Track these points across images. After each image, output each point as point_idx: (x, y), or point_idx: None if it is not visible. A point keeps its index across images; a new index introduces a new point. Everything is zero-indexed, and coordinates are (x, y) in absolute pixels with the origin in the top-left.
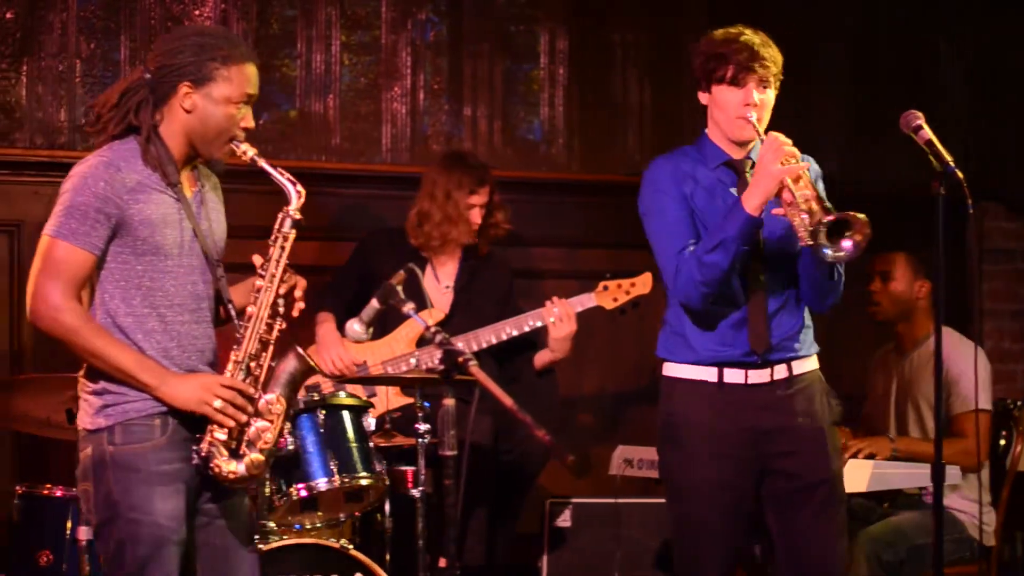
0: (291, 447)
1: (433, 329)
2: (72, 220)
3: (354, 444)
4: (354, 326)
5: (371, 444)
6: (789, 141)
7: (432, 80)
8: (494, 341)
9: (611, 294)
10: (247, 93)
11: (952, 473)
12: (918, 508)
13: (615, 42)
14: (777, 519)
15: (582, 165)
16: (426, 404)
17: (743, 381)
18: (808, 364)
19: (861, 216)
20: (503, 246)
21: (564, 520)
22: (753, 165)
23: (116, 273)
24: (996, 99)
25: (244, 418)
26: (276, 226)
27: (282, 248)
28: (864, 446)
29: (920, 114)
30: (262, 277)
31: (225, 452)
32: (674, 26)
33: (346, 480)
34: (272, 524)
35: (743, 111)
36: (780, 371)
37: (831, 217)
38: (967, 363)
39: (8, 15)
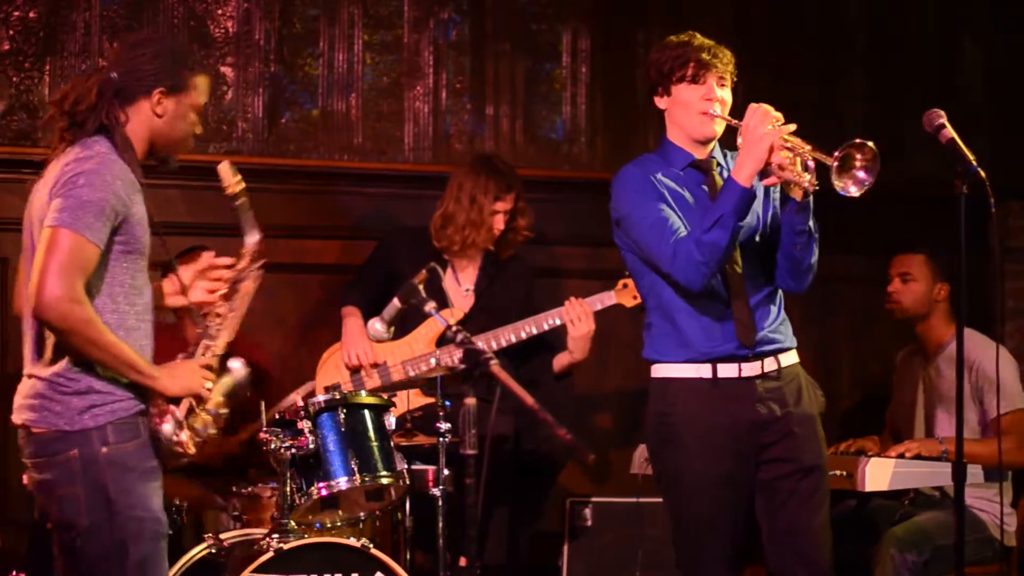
0: (312, 446)
1: (454, 328)
2: (88, 215)
3: (375, 443)
4: (375, 325)
5: (392, 443)
6: (770, 107)
7: (454, 79)
8: (513, 340)
9: (631, 292)
10: (204, 103)
11: (972, 472)
12: (941, 507)
13: (637, 41)
14: (768, 507)
15: (604, 164)
16: (447, 403)
17: (737, 375)
18: (792, 356)
19: (858, 141)
20: (525, 245)
21: (585, 519)
22: (718, 165)
23: (102, 270)
24: (1019, 97)
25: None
26: (245, 263)
27: (256, 281)
28: (915, 447)
29: (942, 113)
30: (227, 301)
31: (190, 429)
32: (697, 24)
33: (367, 479)
34: (293, 523)
35: (705, 106)
36: (770, 363)
37: (838, 154)
38: (1001, 362)
39: (31, 14)
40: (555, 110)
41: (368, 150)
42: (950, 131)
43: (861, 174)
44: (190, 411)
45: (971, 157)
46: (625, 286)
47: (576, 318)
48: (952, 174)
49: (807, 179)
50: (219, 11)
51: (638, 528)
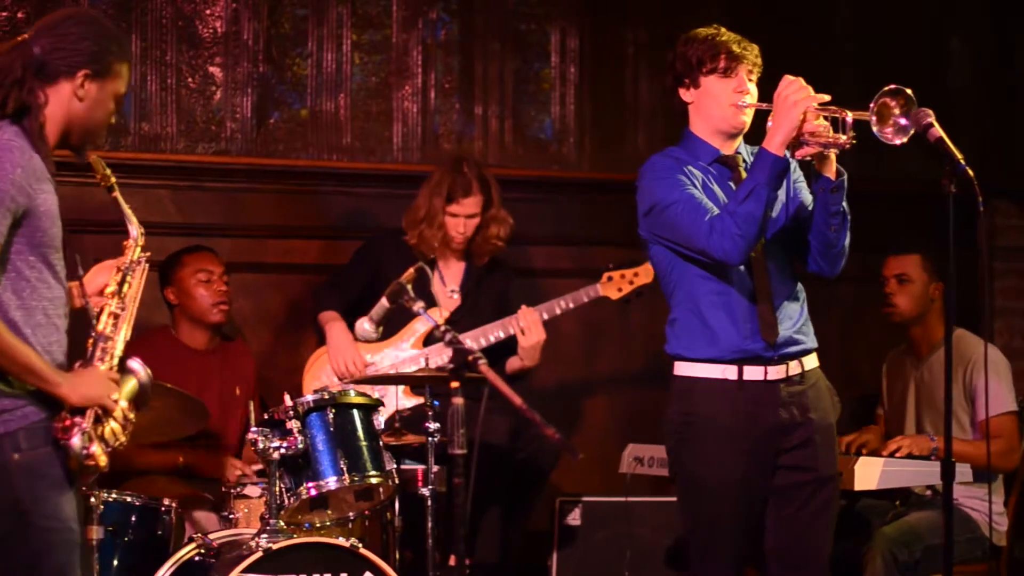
0: (301, 446)
1: (443, 328)
2: None
3: (364, 443)
4: (364, 325)
5: (381, 443)
6: (801, 79)
7: (443, 79)
8: (502, 336)
9: (615, 284)
10: (123, 92)
11: (962, 471)
12: (932, 506)
13: (627, 40)
14: (780, 512)
15: (593, 164)
16: (435, 403)
17: (763, 378)
18: (814, 359)
19: (891, 87)
20: (514, 245)
21: (574, 519)
22: (744, 161)
23: (8, 264)
24: (1009, 97)
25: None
26: (130, 256)
27: (143, 274)
28: (907, 444)
29: (930, 111)
30: (117, 296)
31: (99, 441)
32: (687, 24)
33: (356, 479)
34: (282, 523)
35: (737, 98)
36: (794, 367)
37: (873, 106)
38: (992, 366)
39: (19, 15)
40: (544, 110)
41: (357, 150)
42: (938, 130)
43: (902, 121)
44: (97, 421)
45: (959, 156)
46: (610, 279)
47: (526, 328)
48: (940, 173)
49: (844, 139)
50: (207, 11)
51: (627, 527)
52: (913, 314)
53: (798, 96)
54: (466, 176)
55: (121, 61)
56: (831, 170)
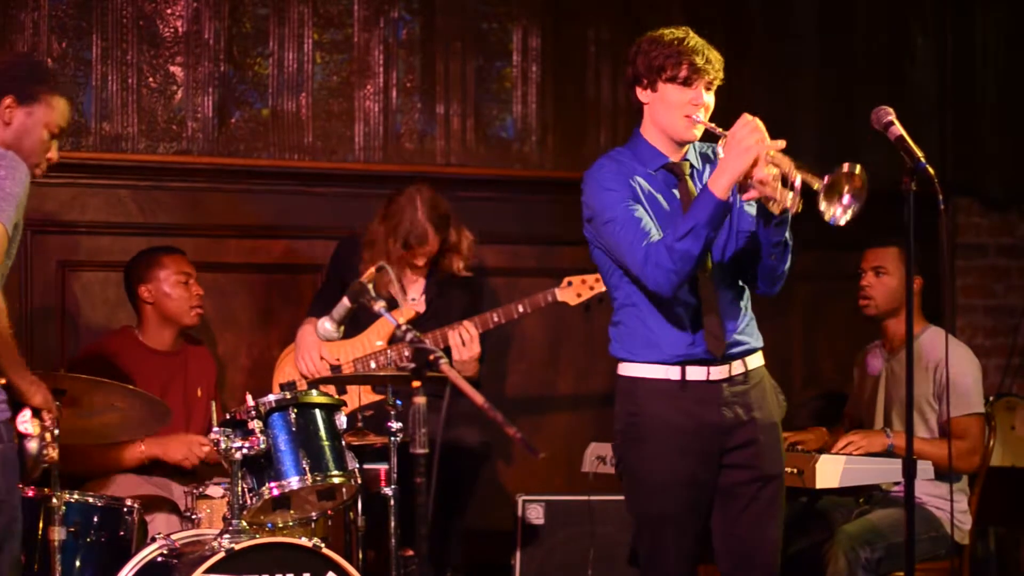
0: (263, 446)
1: (404, 327)
2: (10, 206)
3: (326, 442)
4: (325, 324)
5: (343, 442)
6: (760, 122)
7: (405, 78)
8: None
9: (575, 289)
10: (60, 125)
11: (924, 468)
12: (896, 504)
13: (588, 39)
14: (726, 512)
15: (555, 162)
16: (398, 402)
17: (705, 378)
18: (759, 358)
19: (847, 166)
20: (476, 244)
21: (537, 517)
22: (692, 167)
23: None
24: (971, 95)
25: None
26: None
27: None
28: (858, 440)
29: (891, 110)
30: None
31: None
32: (648, 23)
33: (318, 479)
34: (244, 523)
35: (691, 110)
36: (737, 367)
37: (827, 179)
38: (963, 365)
39: None
40: (506, 109)
41: (318, 149)
42: (898, 128)
43: (847, 199)
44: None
45: (919, 154)
46: (570, 283)
47: (461, 343)
48: (902, 171)
49: (790, 198)
50: (168, 10)
51: (590, 526)
52: (889, 307)
53: (750, 141)
54: (421, 225)
55: (51, 93)
56: (776, 208)
